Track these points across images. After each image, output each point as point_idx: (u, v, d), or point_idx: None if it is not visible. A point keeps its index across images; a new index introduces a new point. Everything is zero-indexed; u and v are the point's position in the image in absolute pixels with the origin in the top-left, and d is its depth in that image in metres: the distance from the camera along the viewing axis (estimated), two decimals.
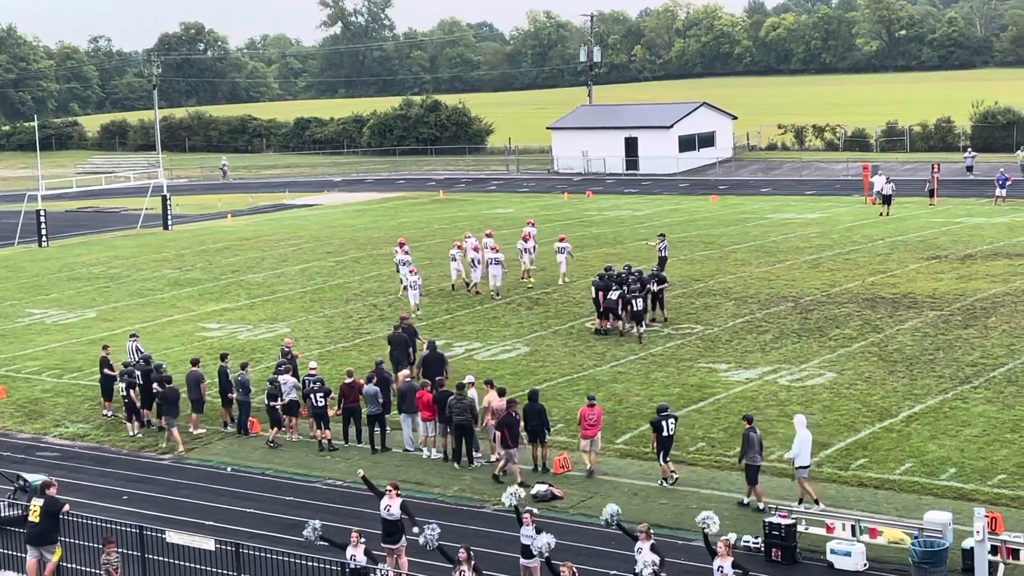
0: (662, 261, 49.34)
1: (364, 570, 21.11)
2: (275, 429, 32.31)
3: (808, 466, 26.29)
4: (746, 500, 26.52)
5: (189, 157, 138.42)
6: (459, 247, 50.31)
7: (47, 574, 23.19)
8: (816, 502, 25.79)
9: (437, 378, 31.80)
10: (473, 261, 49.29)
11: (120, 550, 22.47)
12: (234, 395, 33.35)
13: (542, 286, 50.25)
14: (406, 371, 34.58)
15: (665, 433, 27.64)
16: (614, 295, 41.20)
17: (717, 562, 20.20)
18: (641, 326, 40.77)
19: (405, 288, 47.59)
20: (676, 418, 28.39)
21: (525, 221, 58.42)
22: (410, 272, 46.99)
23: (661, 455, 27.83)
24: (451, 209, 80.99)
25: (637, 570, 20.58)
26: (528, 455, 29.36)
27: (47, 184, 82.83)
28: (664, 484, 27.85)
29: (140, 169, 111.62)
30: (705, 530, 20.65)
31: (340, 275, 55.90)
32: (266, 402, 32.46)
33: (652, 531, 21.13)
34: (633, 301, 40.65)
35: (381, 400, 31.39)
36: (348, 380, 31.85)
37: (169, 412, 32.57)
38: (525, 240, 51.49)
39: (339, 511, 26.97)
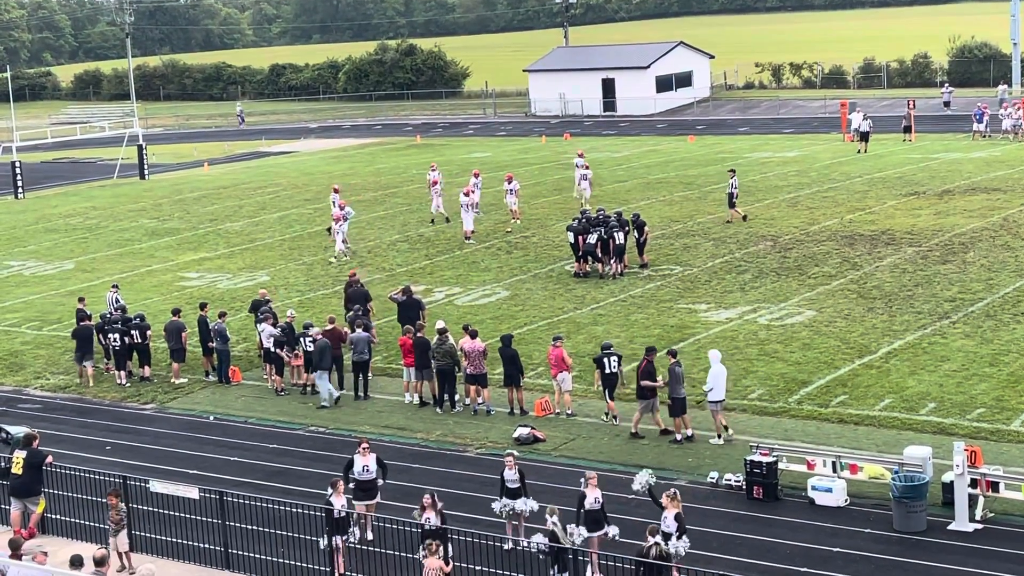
0: (730, 197, 49.26)
1: (346, 519, 21.17)
2: (279, 377, 32.33)
3: (722, 400, 26.73)
4: (679, 436, 26.83)
5: (164, 106, 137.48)
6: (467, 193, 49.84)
7: (31, 525, 23.27)
8: (726, 428, 26.60)
9: (418, 323, 31.87)
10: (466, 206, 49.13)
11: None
12: (214, 344, 33.36)
13: (522, 230, 50.24)
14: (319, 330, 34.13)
15: (608, 370, 28.00)
16: (592, 238, 41.27)
17: (664, 513, 20.43)
18: (622, 262, 41.12)
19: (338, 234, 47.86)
20: (620, 357, 28.64)
21: (576, 154, 59.17)
22: (335, 219, 47.32)
23: (606, 392, 28.21)
24: (429, 154, 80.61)
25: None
26: (505, 399, 29.53)
27: (21, 135, 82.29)
28: (604, 420, 28.27)
29: (115, 119, 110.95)
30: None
31: (319, 222, 55.68)
32: (272, 349, 32.38)
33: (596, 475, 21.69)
34: (615, 235, 40.93)
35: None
36: (329, 327, 31.81)
37: (80, 349, 33.81)
38: (509, 181, 51.39)
39: (321, 457, 27.04)
